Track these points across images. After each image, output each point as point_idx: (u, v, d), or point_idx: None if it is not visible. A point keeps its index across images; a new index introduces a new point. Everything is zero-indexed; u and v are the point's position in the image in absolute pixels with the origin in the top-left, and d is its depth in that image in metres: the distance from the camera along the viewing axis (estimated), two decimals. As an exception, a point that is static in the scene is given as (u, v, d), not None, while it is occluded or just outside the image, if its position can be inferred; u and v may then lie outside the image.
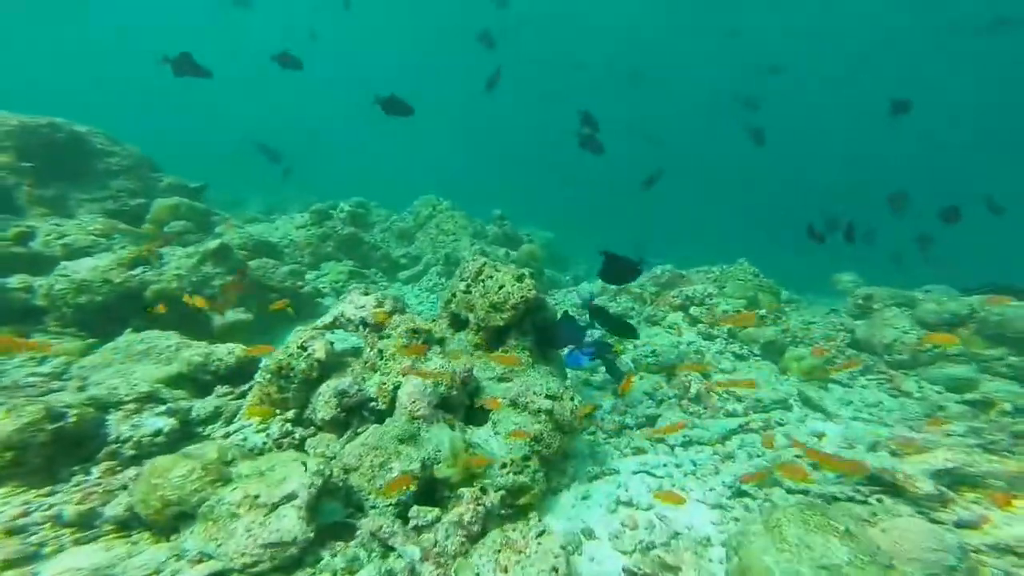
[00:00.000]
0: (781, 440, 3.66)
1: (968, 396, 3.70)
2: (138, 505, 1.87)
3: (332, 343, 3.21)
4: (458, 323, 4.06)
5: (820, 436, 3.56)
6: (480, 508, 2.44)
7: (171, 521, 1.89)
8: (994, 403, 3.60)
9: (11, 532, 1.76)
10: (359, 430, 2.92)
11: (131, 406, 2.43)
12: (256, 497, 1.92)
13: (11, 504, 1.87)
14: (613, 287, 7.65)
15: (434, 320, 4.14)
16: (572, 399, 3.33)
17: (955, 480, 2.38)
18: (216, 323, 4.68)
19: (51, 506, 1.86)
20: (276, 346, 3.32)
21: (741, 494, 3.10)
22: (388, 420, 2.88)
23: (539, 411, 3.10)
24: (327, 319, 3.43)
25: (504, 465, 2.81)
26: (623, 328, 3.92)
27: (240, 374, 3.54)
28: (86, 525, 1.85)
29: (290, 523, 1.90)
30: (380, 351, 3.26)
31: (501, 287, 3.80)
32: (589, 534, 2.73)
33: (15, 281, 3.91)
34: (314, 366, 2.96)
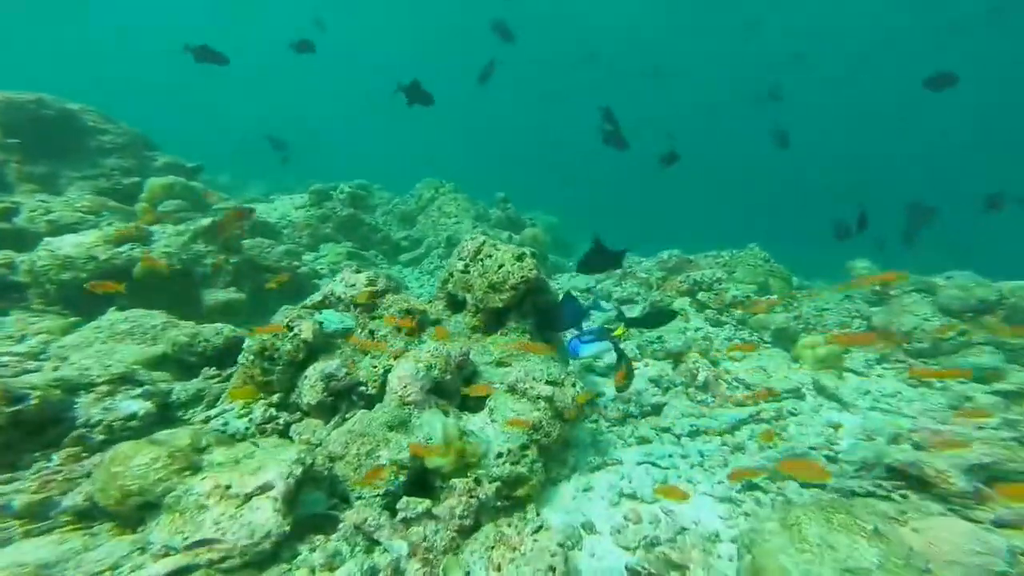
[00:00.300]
0: (793, 430, 3.48)
1: (998, 387, 3.48)
2: (97, 495, 1.73)
3: (321, 323, 3.04)
4: (455, 304, 3.88)
5: (836, 427, 3.36)
6: (473, 501, 2.29)
7: (136, 512, 1.75)
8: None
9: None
10: (347, 415, 2.77)
11: (103, 388, 2.28)
12: (227, 487, 1.77)
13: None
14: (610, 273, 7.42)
15: (430, 301, 3.96)
16: (574, 385, 3.15)
17: (991, 476, 2.18)
18: (207, 302, 4.53)
19: (1, 495, 1.73)
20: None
21: (752, 487, 2.93)
22: (377, 406, 2.72)
23: (539, 398, 2.92)
24: (316, 298, 3.25)
25: (500, 455, 2.65)
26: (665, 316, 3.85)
27: (228, 355, 3.38)
28: (40, 516, 1.72)
29: (264, 516, 1.75)
30: (371, 332, 3.09)
31: (500, 266, 3.60)
32: (590, 528, 2.58)
33: (-3, 257, 3.77)
34: (300, 347, 2.79)
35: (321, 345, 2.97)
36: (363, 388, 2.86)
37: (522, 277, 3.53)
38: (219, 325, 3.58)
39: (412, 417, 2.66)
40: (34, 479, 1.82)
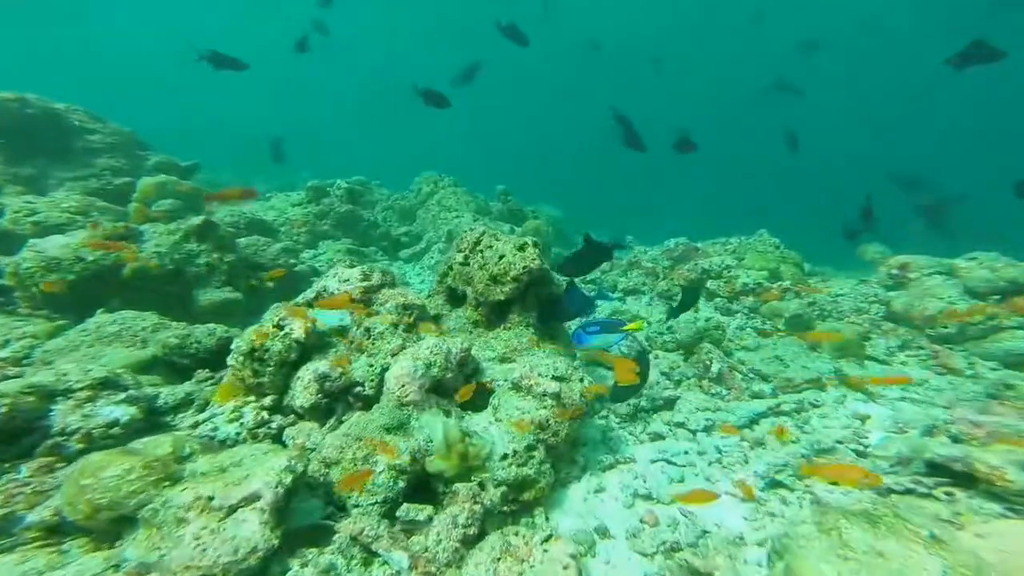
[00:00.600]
0: (816, 423, 3.29)
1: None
2: (66, 509, 1.58)
3: (314, 320, 2.88)
4: (455, 299, 3.71)
5: (863, 419, 3.17)
6: (477, 508, 2.13)
7: (112, 526, 1.61)
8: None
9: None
10: (344, 418, 2.61)
11: (83, 394, 2.13)
12: (210, 499, 1.61)
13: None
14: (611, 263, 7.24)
15: (429, 296, 3.79)
16: (581, 380, 2.98)
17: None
18: (201, 302, 4.39)
19: (-41, 513, 1.59)
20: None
21: (776, 485, 2.75)
22: (375, 407, 2.56)
23: (544, 395, 2.75)
24: (309, 294, 3.09)
25: (506, 456, 2.49)
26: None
27: (222, 357, 3.23)
28: (4, 532, 1.58)
29: (250, 529, 1.60)
30: (368, 329, 2.92)
31: (501, 257, 3.42)
32: (604, 533, 2.42)
33: (-19, 261, 3.64)
34: (292, 347, 2.63)
35: (315, 344, 2.81)
36: (360, 388, 2.71)
37: (524, 268, 3.36)
38: (211, 326, 3.44)
39: (411, 419, 2.50)
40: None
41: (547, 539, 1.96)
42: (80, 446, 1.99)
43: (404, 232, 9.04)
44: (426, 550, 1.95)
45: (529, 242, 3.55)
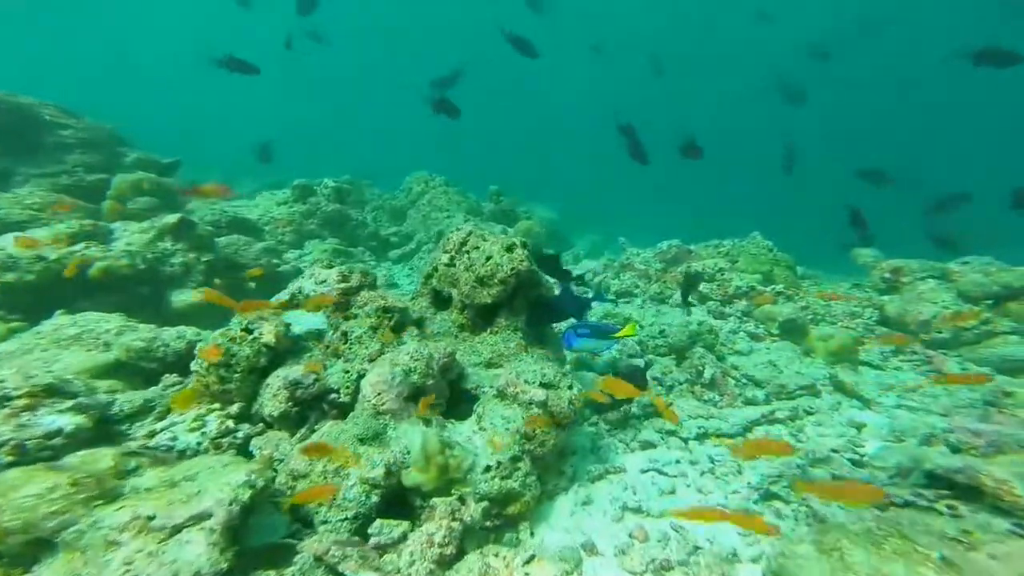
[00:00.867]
0: (811, 431, 3.19)
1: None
2: (-21, 535, 1.42)
3: (287, 325, 2.72)
4: (440, 301, 3.56)
5: (859, 427, 3.08)
6: (456, 524, 1.99)
7: (28, 549, 1.44)
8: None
9: None
10: (317, 427, 2.46)
11: (21, 402, 1.96)
12: (150, 518, 1.46)
13: None
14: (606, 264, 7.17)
15: (413, 298, 3.65)
16: (570, 387, 2.85)
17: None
18: (175, 304, 4.20)
19: None
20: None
21: (770, 497, 2.64)
22: (350, 416, 2.41)
23: (531, 403, 2.62)
24: (283, 296, 2.93)
25: (489, 468, 2.35)
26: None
27: (193, 361, 3.08)
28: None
29: (195, 551, 1.44)
30: (345, 333, 2.77)
31: (488, 258, 3.28)
32: (591, 549, 2.28)
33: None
34: (261, 352, 2.47)
35: (287, 349, 2.65)
36: (335, 396, 2.55)
37: (512, 270, 3.22)
38: (182, 328, 3.26)
39: (388, 428, 2.35)
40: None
41: (529, 560, 1.83)
42: (9, 459, 1.82)
43: (393, 232, 8.87)
44: (398, 571, 1.80)
45: (517, 243, 3.42)
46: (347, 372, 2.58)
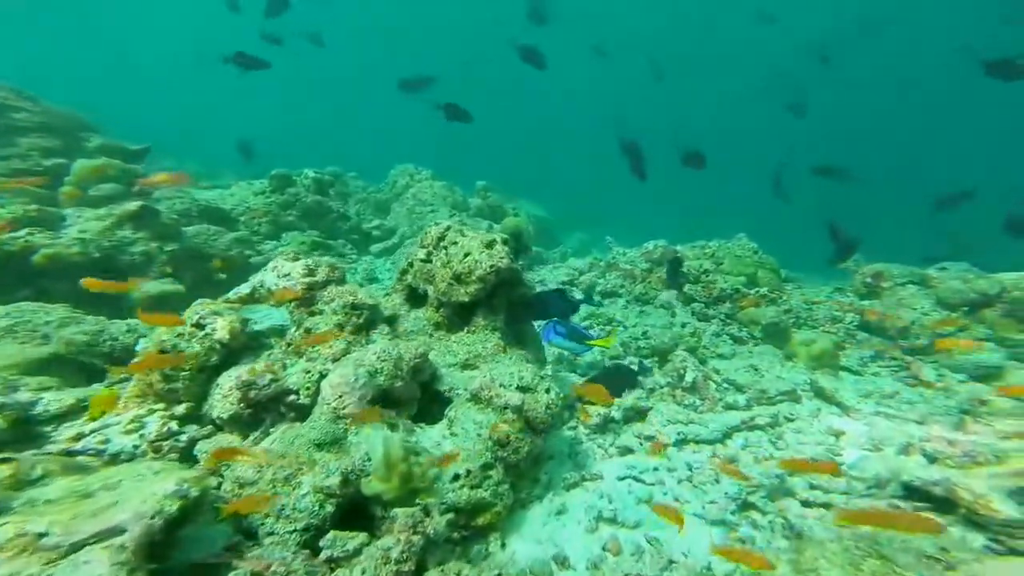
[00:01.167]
0: (791, 439, 3.14)
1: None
2: None
3: (245, 320, 2.54)
4: (416, 298, 3.41)
5: (838, 435, 3.04)
6: (417, 538, 1.85)
7: None
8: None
9: None
10: (273, 430, 2.29)
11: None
12: (40, 535, 1.29)
13: None
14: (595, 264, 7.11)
15: (387, 294, 3.49)
16: (548, 391, 2.74)
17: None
18: (134, 295, 3.95)
19: None
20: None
21: (747, 506, 2.57)
22: (309, 419, 2.26)
23: (506, 408, 2.50)
24: (244, 289, 2.74)
25: (458, 476, 2.22)
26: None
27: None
28: None
29: (92, 573, 1.28)
30: (308, 331, 2.60)
31: (467, 254, 3.14)
32: (563, 562, 2.18)
33: None
34: (214, 349, 2.29)
35: (244, 346, 2.48)
36: (294, 397, 2.39)
37: (491, 267, 3.08)
38: (133, 321, 3.05)
39: (349, 433, 2.20)
40: None
41: (492, 579, 1.71)
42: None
43: (376, 226, 8.64)
44: (350, 593, 1.67)
45: (498, 239, 3.28)
46: (308, 372, 2.41)
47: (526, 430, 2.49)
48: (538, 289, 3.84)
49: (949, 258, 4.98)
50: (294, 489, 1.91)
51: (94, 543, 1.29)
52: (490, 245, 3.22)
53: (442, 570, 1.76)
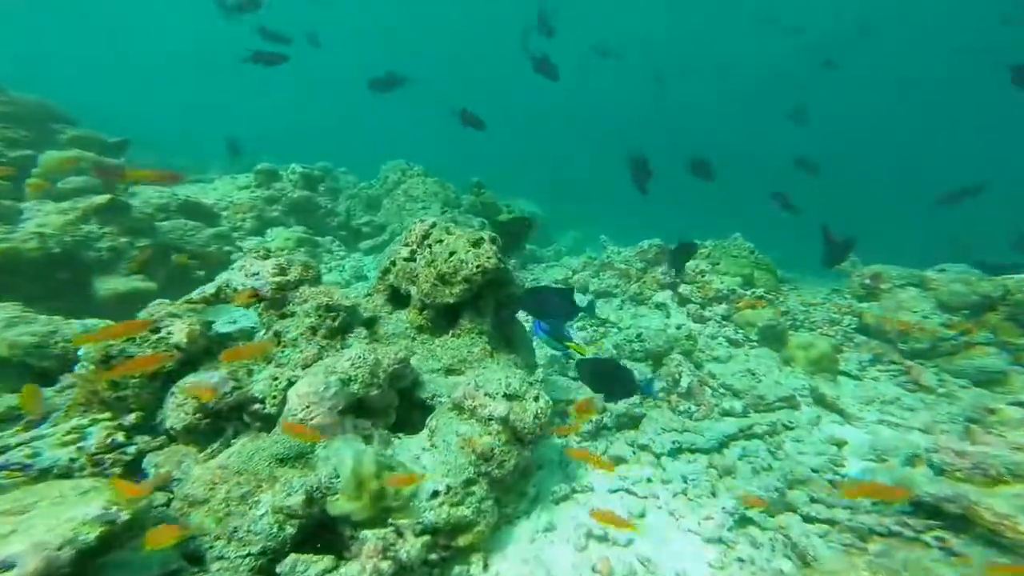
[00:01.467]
0: (790, 448, 3.01)
1: (1018, 396, 3.10)
2: None
3: (209, 323, 2.35)
4: (398, 299, 3.23)
5: (839, 444, 2.91)
6: (386, 565, 1.68)
7: None
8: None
9: None
10: (235, 441, 2.10)
11: None
12: None
13: None
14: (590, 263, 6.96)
15: (368, 295, 3.30)
16: (537, 399, 2.57)
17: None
18: (100, 292, 3.74)
19: None
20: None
21: (745, 521, 2.43)
22: (273, 431, 2.07)
23: (491, 419, 2.33)
24: (208, 289, 2.54)
25: (436, 494, 2.05)
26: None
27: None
28: None
29: None
30: (277, 334, 2.41)
31: (452, 254, 2.96)
32: (548, 586, 2.02)
33: None
34: (172, 355, 2.10)
35: (206, 350, 2.28)
36: (259, 406, 2.20)
37: (478, 267, 2.91)
38: (90, 321, 2.84)
39: (317, 446, 2.02)
40: None
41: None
42: None
43: (366, 222, 8.42)
44: (309, 630, 1.49)
45: (485, 237, 3.10)
46: (276, 379, 2.22)
47: (512, 442, 2.33)
48: (544, 283, 3.64)
49: (952, 259, 4.88)
50: (250, 508, 1.72)
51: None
52: (477, 244, 3.04)
53: (413, 603, 1.59)
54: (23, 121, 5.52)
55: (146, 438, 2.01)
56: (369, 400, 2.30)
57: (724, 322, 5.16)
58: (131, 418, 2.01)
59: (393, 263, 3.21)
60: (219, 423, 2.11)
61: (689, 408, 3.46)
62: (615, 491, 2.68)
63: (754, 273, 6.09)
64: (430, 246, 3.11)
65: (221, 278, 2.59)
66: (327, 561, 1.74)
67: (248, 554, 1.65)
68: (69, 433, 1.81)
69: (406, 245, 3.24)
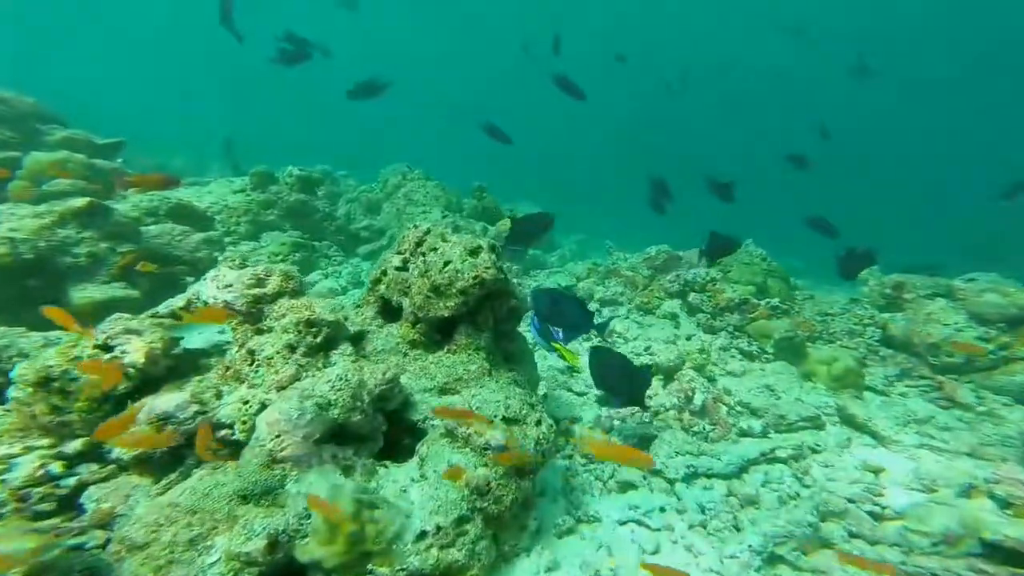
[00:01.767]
0: (818, 473, 2.72)
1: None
2: None
3: (176, 339, 2.12)
4: (389, 312, 2.99)
5: (876, 471, 2.62)
6: (360, 631, 1.43)
7: None
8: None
9: None
10: (196, 471, 1.86)
11: None
12: None
13: None
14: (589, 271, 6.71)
15: (357, 307, 3.06)
16: (539, 423, 2.32)
17: None
18: (76, 301, 3.53)
19: None
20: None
21: (775, 561, 2.16)
22: (237, 463, 1.83)
23: (487, 448, 2.08)
24: (177, 302, 2.32)
25: (424, 535, 1.80)
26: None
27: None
28: None
29: None
30: (251, 352, 2.18)
31: (447, 263, 2.72)
32: (551, 645, 1.75)
33: None
34: (125, 375, 1.87)
35: (170, 369, 2.05)
36: (228, 432, 1.96)
37: (475, 278, 2.66)
38: (54, 334, 2.62)
39: (287, 481, 1.78)
40: None
41: None
42: None
43: (364, 226, 8.23)
44: None
45: (484, 245, 2.85)
46: (247, 403, 1.99)
47: (511, 474, 2.07)
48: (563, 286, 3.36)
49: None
50: (199, 555, 1.48)
51: None
52: (474, 252, 2.80)
53: None
54: (7, 121, 5.37)
55: (93, 467, 1.77)
56: (351, 426, 2.05)
57: (737, 332, 4.88)
58: (76, 444, 1.77)
59: (384, 272, 2.97)
60: (183, 451, 1.87)
61: (703, 427, 3.19)
62: (624, 522, 2.41)
63: (767, 281, 5.82)
64: (424, 254, 2.87)
65: (192, 289, 2.37)
66: (294, 618, 1.50)
67: (197, 614, 1.40)
68: (-2, 466, 1.58)
69: (398, 253, 3.01)
